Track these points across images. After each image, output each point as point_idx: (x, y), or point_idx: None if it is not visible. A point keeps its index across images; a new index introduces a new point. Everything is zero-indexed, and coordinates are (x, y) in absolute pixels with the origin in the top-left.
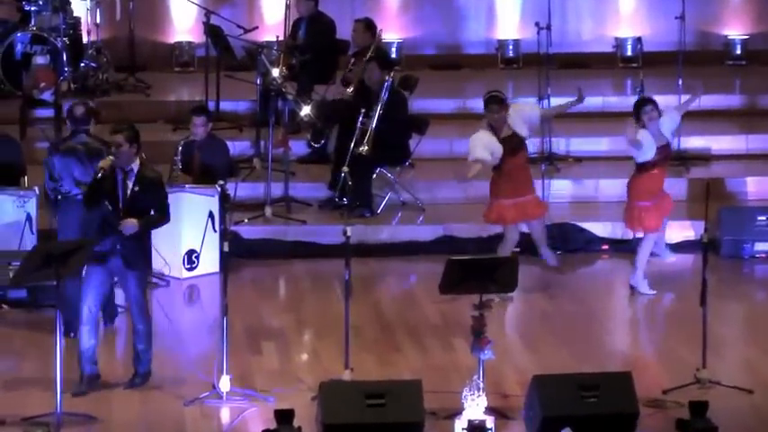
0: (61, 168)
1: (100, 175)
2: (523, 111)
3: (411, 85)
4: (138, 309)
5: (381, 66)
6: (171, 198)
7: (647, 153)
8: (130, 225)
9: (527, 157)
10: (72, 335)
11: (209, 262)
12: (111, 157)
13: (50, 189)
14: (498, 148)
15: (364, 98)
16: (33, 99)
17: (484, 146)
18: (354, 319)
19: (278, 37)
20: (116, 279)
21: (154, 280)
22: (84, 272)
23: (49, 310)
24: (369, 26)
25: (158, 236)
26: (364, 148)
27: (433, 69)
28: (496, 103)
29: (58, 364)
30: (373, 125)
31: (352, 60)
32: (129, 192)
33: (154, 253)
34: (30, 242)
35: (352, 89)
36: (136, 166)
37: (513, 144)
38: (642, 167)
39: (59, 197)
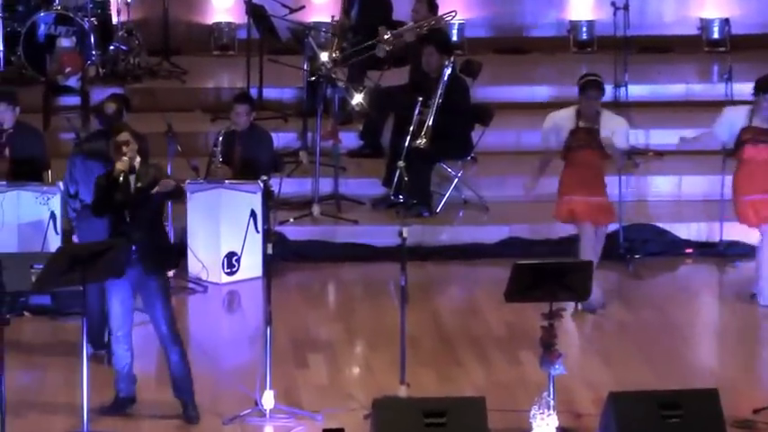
0: (82, 173)
1: (121, 178)
2: (615, 120)
3: (474, 70)
4: (168, 328)
5: (440, 50)
6: (209, 195)
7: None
8: (166, 183)
9: (603, 156)
10: (103, 351)
11: (251, 266)
12: (126, 158)
13: (69, 194)
14: (566, 129)
15: (422, 86)
16: (57, 85)
17: (555, 122)
18: (411, 330)
19: (334, 17)
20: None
21: (190, 285)
22: (107, 289)
23: (75, 319)
24: (431, 5)
25: (195, 237)
26: (422, 141)
27: (497, 53)
28: (597, 89)
29: (85, 378)
30: (432, 115)
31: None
32: (133, 190)
33: (190, 255)
34: (54, 243)
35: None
36: (137, 162)
37: (589, 136)
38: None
39: (78, 208)
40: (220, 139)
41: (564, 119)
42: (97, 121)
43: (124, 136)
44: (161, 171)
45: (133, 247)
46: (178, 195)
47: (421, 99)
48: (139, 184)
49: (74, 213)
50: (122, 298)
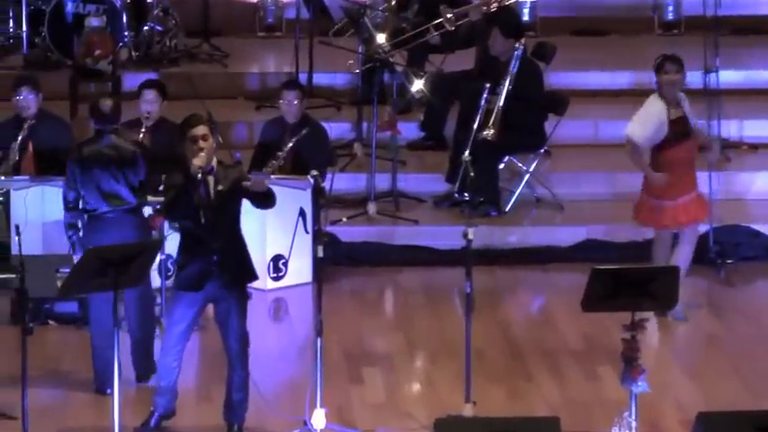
0: (86, 181)
1: (199, 176)
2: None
3: (547, 54)
4: (240, 347)
5: (505, 32)
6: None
7: None
8: (261, 182)
9: (697, 149)
10: (108, 391)
11: (300, 270)
12: (204, 154)
13: (68, 202)
14: (663, 128)
15: (490, 71)
16: (86, 70)
17: (644, 120)
18: (477, 342)
19: None
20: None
21: None
22: (172, 300)
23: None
24: None
25: None
26: (490, 132)
27: (574, 35)
28: (676, 64)
29: (116, 394)
30: (501, 104)
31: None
32: (212, 193)
33: None
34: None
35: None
36: (214, 160)
37: (681, 128)
38: None
39: (83, 221)
40: (265, 131)
41: (660, 114)
42: (93, 121)
43: (201, 129)
44: (243, 173)
45: (214, 257)
46: (269, 200)
47: (488, 86)
48: (220, 187)
49: (72, 233)
50: (191, 312)
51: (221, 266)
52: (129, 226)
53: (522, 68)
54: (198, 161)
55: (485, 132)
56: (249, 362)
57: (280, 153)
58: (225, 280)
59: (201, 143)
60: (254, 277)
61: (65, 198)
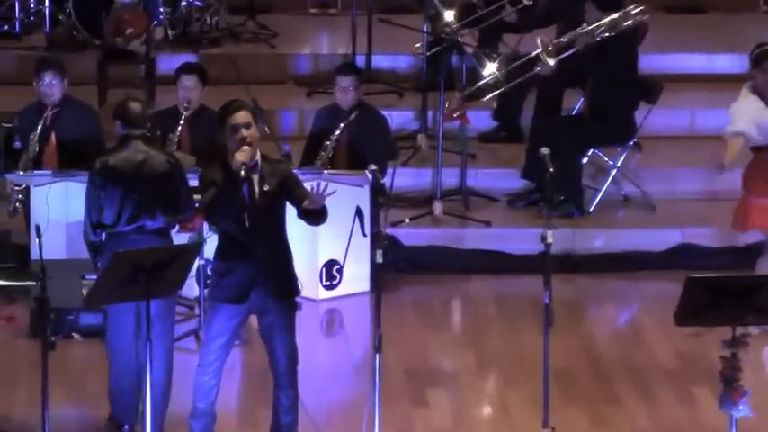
0: (110, 196)
1: (242, 173)
2: None
3: (637, 34)
4: (289, 364)
5: (602, 4)
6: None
7: None
8: (320, 199)
9: None
10: (126, 428)
11: (356, 277)
12: (247, 147)
13: (90, 224)
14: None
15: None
16: (117, 51)
17: (751, 118)
18: (557, 360)
19: None
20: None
21: None
22: (211, 312)
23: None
24: None
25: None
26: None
27: (667, 12)
28: None
29: (148, 414)
30: (587, 90)
31: None
32: (257, 192)
33: None
34: None
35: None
36: (258, 155)
37: None
38: None
39: (102, 239)
40: (317, 120)
41: (758, 111)
42: (119, 125)
43: (243, 116)
44: (292, 175)
45: (258, 265)
46: (321, 217)
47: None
48: (266, 187)
49: (92, 253)
50: (232, 325)
51: (266, 275)
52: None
53: (611, 49)
54: (240, 155)
55: (537, 68)
56: (298, 381)
57: (328, 142)
58: (270, 290)
59: (244, 132)
60: (297, 291)
61: (88, 216)
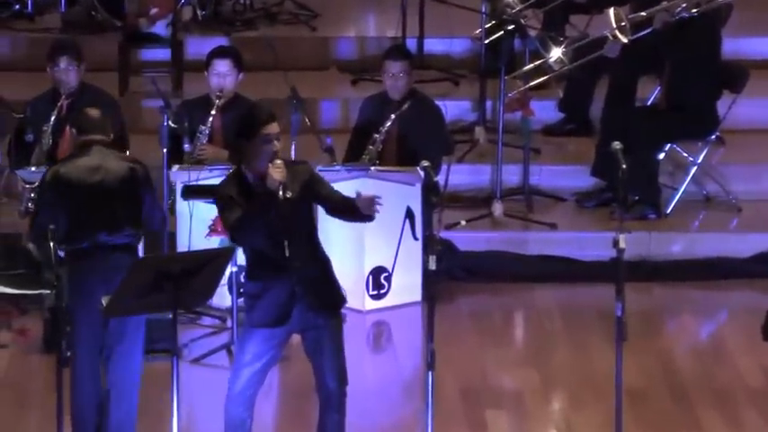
0: (61, 206)
1: (281, 194)
2: None
3: (722, 15)
4: (338, 385)
5: None
6: (349, 187)
7: None
8: (368, 199)
9: None
10: None
11: (407, 286)
12: (281, 162)
13: (42, 239)
14: None
15: (648, 35)
16: (140, 33)
17: None
18: (630, 379)
19: None
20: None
21: None
22: (244, 335)
23: (164, 358)
24: None
25: (329, 247)
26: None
27: None
28: None
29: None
30: (664, 77)
31: None
32: (281, 201)
33: None
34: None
35: None
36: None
37: None
38: None
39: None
40: (363, 110)
41: None
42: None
43: (275, 127)
44: (313, 175)
45: (294, 281)
46: (359, 215)
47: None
48: (289, 194)
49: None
50: (269, 348)
51: (305, 287)
52: (117, 268)
53: (691, 31)
54: (277, 174)
55: (551, 57)
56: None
57: (377, 135)
58: (312, 303)
59: (277, 144)
60: (343, 300)
61: (38, 226)
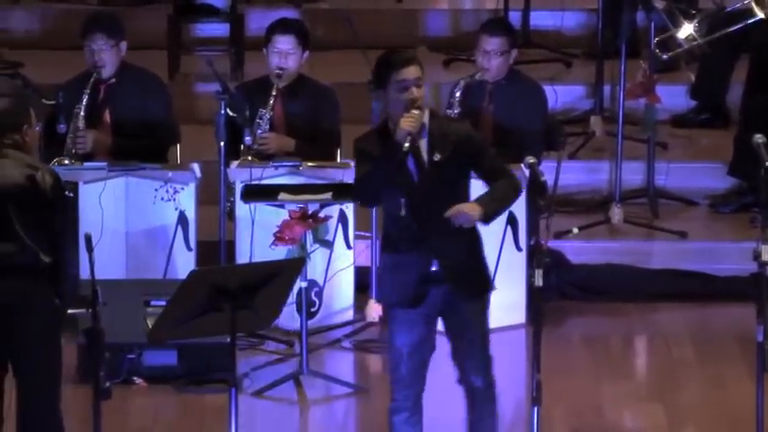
0: None
1: (406, 145)
2: None
3: None
4: (484, 382)
5: None
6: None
7: None
8: (466, 214)
9: None
10: None
11: (509, 305)
12: (417, 111)
13: None
14: None
15: None
16: (193, 5)
17: None
18: None
19: None
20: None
21: None
22: (389, 322)
23: (219, 390)
24: None
25: None
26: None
27: None
28: None
29: None
30: None
31: None
32: (426, 163)
33: None
34: (184, 264)
35: None
36: (426, 115)
37: None
38: None
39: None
40: (457, 93)
41: None
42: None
43: (415, 71)
44: (471, 138)
45: (432, 257)
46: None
47: None
48: (437, 156)
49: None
50: (415, 339)
51: (447, 270)
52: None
53: None
54: (407, 123)
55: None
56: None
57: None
58: (455, 287)
59: (416, 92)
60: (489, 286)
61: None
